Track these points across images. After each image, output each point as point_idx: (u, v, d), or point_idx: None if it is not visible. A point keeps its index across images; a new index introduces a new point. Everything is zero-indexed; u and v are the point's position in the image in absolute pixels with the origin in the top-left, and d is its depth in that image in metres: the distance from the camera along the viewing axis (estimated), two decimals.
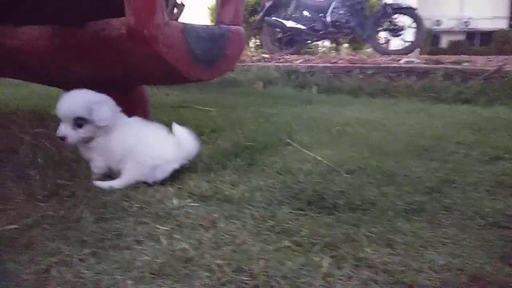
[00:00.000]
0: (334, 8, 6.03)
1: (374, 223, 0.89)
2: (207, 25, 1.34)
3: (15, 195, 1.01)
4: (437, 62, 3.85)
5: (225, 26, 1.40)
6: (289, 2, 6.26)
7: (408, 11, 5.66)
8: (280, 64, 4.37)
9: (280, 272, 0.68)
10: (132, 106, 1.53)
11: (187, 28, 1.19)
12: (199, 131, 1.77)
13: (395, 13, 5.68)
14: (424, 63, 3.86)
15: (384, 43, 6.13)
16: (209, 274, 0.68)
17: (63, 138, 1.05)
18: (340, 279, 0.67)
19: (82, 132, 1.06)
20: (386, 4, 5.66)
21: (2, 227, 0.84)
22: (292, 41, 6.35)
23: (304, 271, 0.69)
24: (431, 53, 5.87)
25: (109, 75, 1.28)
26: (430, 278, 0.68)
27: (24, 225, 0.85)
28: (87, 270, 0.67)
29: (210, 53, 1.32)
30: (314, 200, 1.01)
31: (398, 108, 2.80)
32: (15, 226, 0.85)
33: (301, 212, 0.95)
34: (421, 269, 0.71)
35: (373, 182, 1.16)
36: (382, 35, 6.60)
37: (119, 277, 0.65)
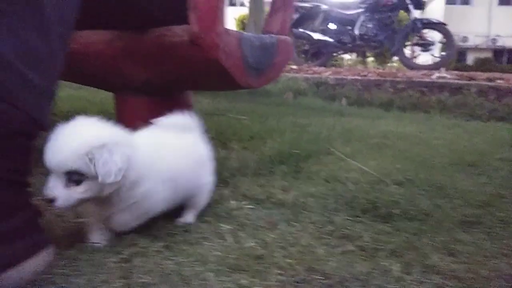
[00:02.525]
0: (362, 21, 6.05)
1: (433, 233, 0.90)
2: (259, 35, 1.37)
3: None
4: (470, 78, 3.81)
5: (274, 35, 1.44)
6: (317, 15, 6.31)
7: (438, 26, 5.64)
8: (308, 75, 4.40)
9: (351, 274, 0.69)
10: (177, 110, 1.58)
11: (243, 37, 1.23)
12: (237, 138, 1.82)
13: (425, 28, 5.67)
14: (457, 79, 3.83)
15: (413, 57, 6.10)
16: (282, 272, 0.70)
17: (52, 200, 0.67)
18: (411, 283, 0.68)
19: (80, 192, 0.68)
20: (416, 19, 5.65)
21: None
22: (318, 53, 6.39)
23: (374, 274, 0.70)
24: (457, 69, 5.81)
25: (165, 79, 1.33)
26: (501, 286, 0.68)
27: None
28: (166, 260, 0.70)
29: (261, 62, 1.35)
30: (368, 209, 1.02)
31: (433, 123, 2.79)
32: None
33: (358, 219, 0.97)
34: (490, 277, 0.71)
35: (424, 194, 1.16)
36: (410, 50, 6.58)
37: (199, 268, 0.68)
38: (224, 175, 1.21)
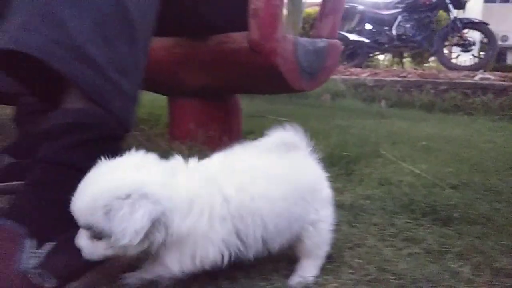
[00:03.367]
0: (400, 21, 5.96)
1: (497, 236, 0.90)
2: (313, 39, 1.40)
3: None
4: None
5: (325, 39, 1.47)
6: (353, 15, 6.26)
7: (479, 26, 5.48)
8: (346, 77, 4.38)
9: (423, 275, 0.71)
10: (228, 114, 1.63)
11: (298, 42, 1.27)
12: None
13: (465, 28, 5.52)
14: (501, 80, 3.71)
15: (453, 58, 5.95)
16: (352, 271, 0.72)
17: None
18: (482, 285, 0.69)
19: (103, 248, 0.56)
20: (456, 18, 5.51)
21: None
22: (354, 54, 6.33)
23: (445, 276, 0.72)
24: (496, 70, 5.62)
25: (222, 84, 1.38)
26: None
27: None
28: None
29: (313, 66, 1.38)
30: (427, 212, 1.03)
31: (478, 126, 2.72)
32: None
33: (418, 222, 0.98)
34: None
35: (481, 197, 1.16)
36: (449, 50, 6.41)
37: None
38: None
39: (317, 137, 1.88)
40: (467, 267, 0.75)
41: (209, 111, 1.57)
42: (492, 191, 1.22)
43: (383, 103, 3.80)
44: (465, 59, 6.20)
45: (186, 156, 1.38)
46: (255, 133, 1.92)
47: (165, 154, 1.38)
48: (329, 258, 0.76)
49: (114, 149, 0.73)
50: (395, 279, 0.70)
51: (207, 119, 1.57)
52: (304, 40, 1.34)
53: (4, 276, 0.52)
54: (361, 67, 5.66)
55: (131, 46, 0.73)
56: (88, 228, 0.55)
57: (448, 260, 0.78)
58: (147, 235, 0.54)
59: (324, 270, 0.72)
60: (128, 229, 0.52)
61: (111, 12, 0.70)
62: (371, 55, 6.81)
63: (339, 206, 1.07)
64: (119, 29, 0.71)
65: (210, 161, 0.68)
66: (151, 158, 0.61)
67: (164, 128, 1.85)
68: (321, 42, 1.42)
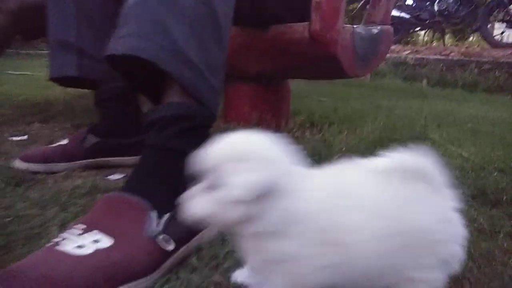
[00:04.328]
0: None
1: None
2: (367, 27, 1.46)
3: None
4: None
5: (379, 26, 1.52)
6: None
7: None
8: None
9: (476, 252, 0.80)
10: (279, 97, 1.73)
11: (354, 31, 1.33)
12: (329, 121, 1.93)
13: None
14: None
15: (498, 34, 5.73)
16: None
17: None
18: None
19: (211, 200, 0.53)
20: None
21: None
22: (394, 30, 6.21)
23: (497, 253, 0.80)
24: None
25: (278, 71, 1.48)
26: None
27: None
28: None
29: (367, 52, 1.45)
30: (477, 195, 1.11)
31: None
32: None
33: (468, 203, 1.06)
34: None
35: None
36: (492, 26, 6.16)
37: None
38: (333, 156, 1.34)
39: (362, 119, 1.97)
40: None
41: (263, 94, 1.67)
42: None
43: (424, 82, 3.77)
44: (510, 35, 5.96)
45: None
46: (302, 113, 2.01)
47: (220, 129, 1.49)
48: None
49: (207, 135, 0.85)
50: None
51: (260, 102, 1.67)
52: (360, 28, 1.40)
53: (138, 241, 0.65)
54: (401, 43, 5.57)
55: (219, 47, 0.84)
56: (211, 170, 0.53)
57: (499, 239, 0.86)
58: (253, 203, 0.50)
59: None
60: (243, 182, 0.49)
61: (204, 17, 0.80)
62: (412, 31, 6.65)
63: None
64: (210, 32, 0.81)
65: (326, 176, 0.58)
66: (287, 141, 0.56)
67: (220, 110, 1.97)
68: (374, 29, 1.48)
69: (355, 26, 1.35)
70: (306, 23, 1.25)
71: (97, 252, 0.60)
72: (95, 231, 0.63)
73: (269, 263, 0.53)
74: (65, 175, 1.14)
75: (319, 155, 1.33)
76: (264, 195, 0.50)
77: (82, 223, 0.66)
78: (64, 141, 1.24)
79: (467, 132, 1.85)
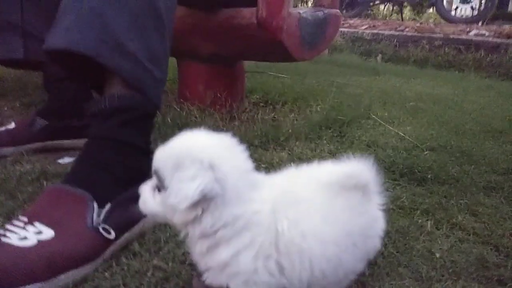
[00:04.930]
0: None
1: (460, 196, 1.09)
2: (314, 11, 1.51)
3: None
4: (509, 36, 3.77)
5: (326, 10, 1.57)
6: None
7: None
8: (345, 29, 4.42)
9: (393, 228, 0.91)
10: (234, 77, 1.77)
11: (301, 17, 1.38)
12: (283, 100, 1.99)
13: None
14: (495, 36, 3.79)
15: (452, 9, 5.91)
16: None
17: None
18: (441, 237, 0.89)
19: (156, 201, 0.58)
20: None
21: None
22: (354, 3, 6.27)
23: (411, 229, 0.91)
24: (496, 18, 5.62)
25: (230, 53, 1.51)
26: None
27: None
28: None
29: (314, 36, 1.50)
30: (405, 173, 1.22)
31: (467, 84, 2.87)
32: None
33: (397, 182, 1.17)
34: (503, 235, 0.91)
35: (454, 160, 1.34)
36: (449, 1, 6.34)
37: None
38: (280, 138, 1.42)
39: (314, 97, 2.04)
40: (430, 222, 0.95)
41: (217, 74, 1.70)
42: (464, 153, 1.40)
43: (379, 58, 3.89)
44: (467, 11, 6.16)
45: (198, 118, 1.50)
46: (257, 92, 2.06)
47: (177, 114, 1.52)
48: None
49: (150, 124, 0.89)
50: None
51: (214, 82, 1.70)
52: (307, 13, 1.44)
53: (79, 231, 0.70)
54: (361, 17, 5.65)
55: (161, 38, 0.86)
56: (156, 173, 0.56)
57: (416, 216, 0.97)
58: (196, 207, 0.53)
59: None
60: (181, 191, 0.51)
61: (144, 10, 0.82)
62: (372, 4, 6.74)
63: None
64: (151, 24, 0.84)
65: (276, 180, 0.63)
66: (241, 147, 0.59)
67: (173, 88, 1.99)
68: (322, 14, 1.53)
69: (301, 11, 1.39)
70: (254, 8, 1.28)
71: (39, 243, 0.64)
72: (37, 223, 0.67)
73: (219, 269, 0.55)
74: (13, 159, 1.15)
75: (266, 137, 1.40)
76: (203, 201, 0.52)
77: (25, 215, 0.69)
78: (11, 125, 1.24)
79: (409, 110, 1.97)
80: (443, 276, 0.76)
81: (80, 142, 1.26)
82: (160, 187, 0.56)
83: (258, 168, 1.17)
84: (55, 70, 1.25)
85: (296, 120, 1.66)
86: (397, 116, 1.84)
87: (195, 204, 0.52)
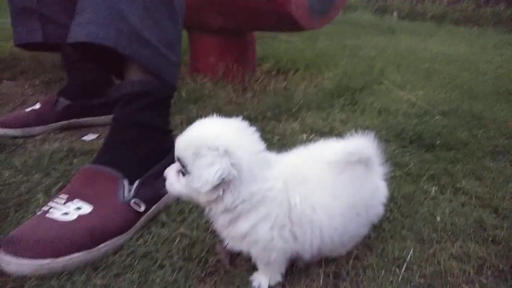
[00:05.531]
0: None
1: (466, 161, 1.13)
2: None
3: (176, 125, 1.34)
4: None
5: None
6: None
7: None
8: None
9: (399, 194, 0.97)
10: (244, 48, 1.79)
11: None
12: (295, 67, 2.01)
13: None
14: None
15: None
16: None
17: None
18: (444, 201, 0.95)
19: (181, 184, 0.64)
20: None
21: None
22: None
23: (416, 194, 0.97)
24: None
25: (239, 26, 1.53)
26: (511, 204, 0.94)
27: None
28: None
29: (324, 5, 1.51)
30: (414, 139, 1.26)
31: (485, 41, 2.81)
32: None
33: (406, 149, 1.21)
34: (504, 197, 0.96)
35: (464, 124, 1.37)
36: None
37: None
38: (292, 109, 1.47)
39: (326, 64, 2.05)
40: (435, 187, 1.00)
41: (228, 46, 1.73)
42: (475, 117, 1.43)
43: (395, 14, 3.79)
44: None
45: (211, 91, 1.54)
46: (269, 59, 2.08)
47: (191, 88, 1.57)
48: None
49: (169, 105, 0.95)
50: None
51: (225, 53, 1.74)
52: None
53: (113, 206, 0.78)
54: None
55: (174, 24, 0.91)
56: (179, 159, 0.62)
57: (422, 182, 1.03)
58: (217, 188, 0.60)
59: None
60: (202, 176, 0.58)
61: (156, 0, 0.86)
62: None
63: (342, 135, 1.30)
64: (164, 12, 0.88)
65: (287, 159, 0.69)
66: (252, 129, 0.65)
67: (185, 59, 2.03)
68: None
69: None
70: None
71: (80, 217, 0.73)
72: (76, 200, 0.76)
73: (240, 238, 0.64)
74: (42, 138, 1.24)
75: (278, 109, 1.45)
76: (223, 183, 0.59)
77: (64, 193, 0.78)
78: (37, 106, 1.32)
79: (423, 73, 1.97)
80: (442, 237, 0.82)
81: (101, 119, 1.34)
82: (184, 172, 0.63)
83: (271, 140, 1.24)
84: (73, 52, 1.30)
85: (308, 88, 1.70)
86: (410, 80, 1.85)
87: (216, 187, 0.60)
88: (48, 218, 0.72)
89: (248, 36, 1.78)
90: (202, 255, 0.75)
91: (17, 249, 0.67)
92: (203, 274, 0.71)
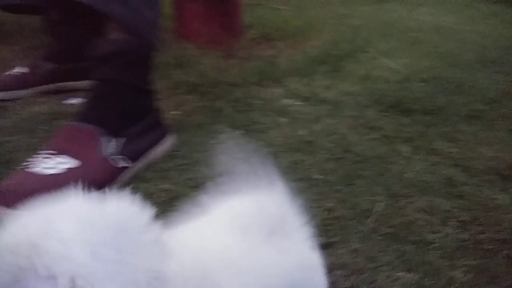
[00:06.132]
0: None
1: (442, 124, 1.17)
2: None
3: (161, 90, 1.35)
4: None
5: None
6: None
7: None
8: None
9: (374, 154, 1.00)
10: (232, 13, 1.78)
11: None
12: (281, 35, 2.01)
13: None
14: None
15: None
16: (325, 152, 1.01)
17: None
18: (417, 161, 0.99)
19: None
20: None
21: (169, 113, 1.20)
22: None
23: (390, 154, 1.01)
24: None
25: None
26: (481, 164, 0.98)
27: (184, 112, 1.21)
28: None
29: None
30: (394, 105, 1.28)
31: (473, 12, 2.80)
32: (178, 112, 1.21)
33: (384, 114, 1.24)
34: (474, 158, 1.00)
35: (443, 90, 1.40)
36: None
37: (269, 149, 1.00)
38: (276, 75, 1.48)
39: (313, 32, 2.05)
40: (409, 148, 1.04)
41: (213, 12, 1.72)
42: (455, 84, 1.45)
43: None
44: None
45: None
46: (255, 27, 2.07)
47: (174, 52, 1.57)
48: (309, 143, 1.04)
49: (149, 65, 0.97)
50: (354, 157, 0.99)
51: (211, 19, 1.73)
52: None
53: (98, 161, 0.81)
54: None
55: None
56: None
57: (396, 144, 1.06)
58: None
59: (304, 151, 1.01)
60: None
61: None
62: None
63: (323, 102, 1.33)
64: None
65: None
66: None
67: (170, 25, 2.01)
68: None
69: None
70: None
71: (68, 170, 0.76)
72: (63, 155, 0.79)
73: None
74: (26, 101, 1.24)
75: (262, 74, 1.46)
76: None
77: (50, 149, 0.80)
78: (21, 69, 1.32)
79: (408, 42, 1.98)
80: (412, 193, 0.86)
81: (85, 83, 1.35)
82: None
83: (255, 104, 1.26)
84: (55, 15, 1.30)
85: (293, 55, 1.71)
86: (395, 48, 1.86)
87: None
88: (34, 172, 0.75)
89: (234, 2, 1.77)
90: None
91: (7, 200, 0.69)
92: None
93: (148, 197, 0.82)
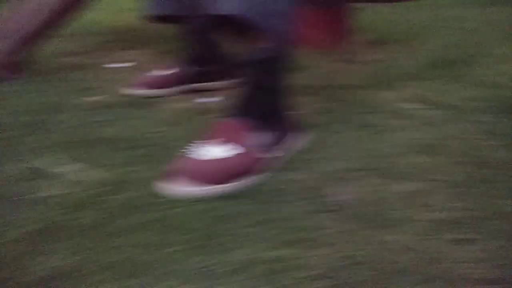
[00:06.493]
0: None
1: None
2: None
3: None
4: None
5: None
6: None
7: None
8: None
9: (497, 158, 1.02)
10: (342, 18, 1.86)
11: None
12: (395, 38, 2.02)
13: None
14: None
15: None
16: (447, 155, 1.04)
17: None
18: None
19: None
20: None
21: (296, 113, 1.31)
22: None
23: None
24: None
25: None
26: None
27: (307, 113, 1.32)
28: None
29: None
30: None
31: None
32: (302, 112, 1.33)
33: (504, 119, 1.22)
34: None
35: None
36: None
37: (397, 150, 1.07)
38: (391, 79, 1.53)
39: (425, 36, 2.03)
40: None
41: (323, 16, 1.82)
42: None
43: None
44: None
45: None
46: (366, 31, 2.11)
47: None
48: (432, 147, 1.09)
49: (288, 70, 1.10)
50: (477, 161, 1.02)
51: (321, 24, 1.83)
52: None
53: (254, 150, 0.97)
54: None
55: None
56: None
57: None
58: None
59: (426, 154, 1.06)
60: None
61: None
62: None
63: (440, 105, 1.33)
64: None
65: None
66: None
67: None
68: None
69: None
70: None
71: (238, 155, 0.94)
72: (230, 143, 0.96)
73: None
74: (166, 99, 1.46)
75: (374, 79, 1.52)
76: None
77: (216, 138, 0.97)
78: (172, 70, 1.54)
79: None
80: None
81: (219, 84, 1.54)
82: None
83: (371, 107, 1.33)
84: (198, 24, 1.49)
85: (406, 60, 1.74)
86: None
87: None
88: (207, 156, 0.93)
89: (344, 7, 1.85)
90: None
91: (182, 179, 0.87)
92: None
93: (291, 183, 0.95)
